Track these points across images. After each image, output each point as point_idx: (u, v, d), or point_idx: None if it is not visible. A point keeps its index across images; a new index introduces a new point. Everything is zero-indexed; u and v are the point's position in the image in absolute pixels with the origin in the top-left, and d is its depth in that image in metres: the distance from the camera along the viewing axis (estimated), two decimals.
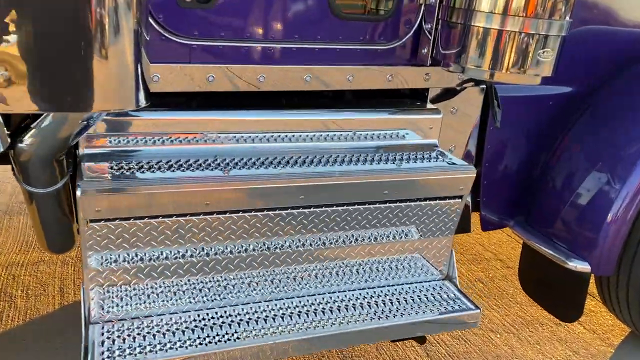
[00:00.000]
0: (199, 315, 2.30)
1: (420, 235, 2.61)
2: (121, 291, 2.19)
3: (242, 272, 2.35)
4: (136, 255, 2.16)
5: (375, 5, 2.60)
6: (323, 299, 2.50)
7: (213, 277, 2.31)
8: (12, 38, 1.61)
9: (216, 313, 2.33)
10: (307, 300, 2.48)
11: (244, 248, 2.31)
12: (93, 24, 1.69)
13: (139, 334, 2.17)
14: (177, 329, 2.22)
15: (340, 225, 2.42)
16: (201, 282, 2.29)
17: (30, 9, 1.60)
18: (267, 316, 2.35)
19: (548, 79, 2.42)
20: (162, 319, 2.25)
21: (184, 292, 2.29)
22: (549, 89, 3.04)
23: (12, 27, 1.60)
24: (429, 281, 2.72)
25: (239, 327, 2.28)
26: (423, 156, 2.62)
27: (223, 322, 2.29)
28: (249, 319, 2.33)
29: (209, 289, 2.32)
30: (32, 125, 2.03)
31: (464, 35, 2.38)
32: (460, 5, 2.36)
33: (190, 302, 2.31)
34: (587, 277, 2.88)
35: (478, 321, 2.61)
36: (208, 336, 2.21)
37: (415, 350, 3.13)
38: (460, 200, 2.59)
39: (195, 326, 2.25)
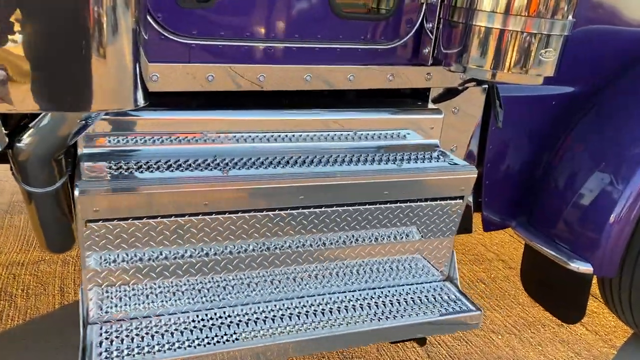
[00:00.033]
0: (197, 316, 2.29)
1: (421, 236, 2.59)
2: (120, 291, 2.18)
3: (241, 273, 2.34)
4: (135, 256, 2.15)
5: (376, 5, 2.59)
6: (323, 299, 2.49)
7: (212, 278, 2.30)
8: (10, 37, 1.60)
9: (215, 314, 2.32)
10: (307, 301, 2.46)
11: (243, 248, 2.30)
12: (91, 23, 1.68)
13: (137, 334, 2.16)
14: (175, 329, 2.21)
15: (340, 225, 2.40)
16: (200, 282, 2.28)
17: (28, 8, 1.59)
18: (266, 317, 2.34)
19: (551, 78, 2.40)
20: (160, 320, 2.24)
21: (182, 292, 2.28)
22: (552, 89, 3.02)
23: (9, 27, 1.59)
24: (429, 282, 2.70)
25: (238, 328, 2.26)
26: (424, 156, 2.61)
27: (222, 323, 2.28)
28: (248, 319, 2.31)
29: (208, 289, 2.31)
30: (30, 125, 2.02)
31: (466, 35, 2.36)
32: (461, 4, 2.34)
33: (189, 303, 2.30)
34: (589, 279, 2.86)
35: (479, 322, 2.59)
36: (206, 337, 2.20)
37: (416, 351, 3.11)
38: (461, 200, 2.58)
39: (194, 327, 2.24)
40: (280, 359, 2.29)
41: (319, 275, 2.48)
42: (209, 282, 2.30)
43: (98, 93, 1.74)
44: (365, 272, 2.56)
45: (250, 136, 2.40)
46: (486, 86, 2.79)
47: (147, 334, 2.16)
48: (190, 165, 2.24)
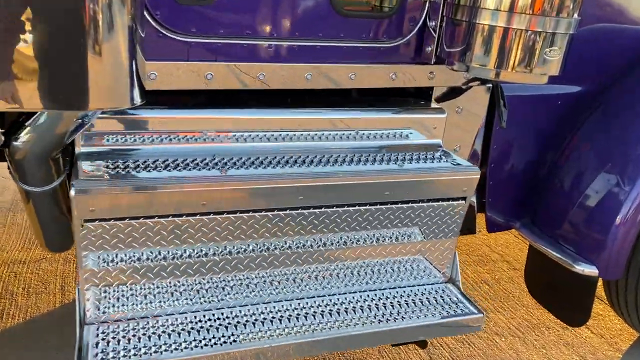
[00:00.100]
0: (195, 317, 2.27)
1: (423, 237, 2.56)
2: (117, 292, 2.16)
3: (240, 274, 2.31)
4: (132, 256, 2.12)
5: (378, 2, 2.55)
6: (323, 301, 2.46)
7: (210, 279, 2.27)
8: (4, 35, 1.58)
9: (213, 315, 2.29)
10: (307, 303, 2.44)
11: (242, 249, 2.27)
12: (87, 20, 1.66)
13: (134, 335, 2.14)
14: (173, 330, 2.19)
15: (340, 226, 2.37)
16: (198, 283, 2.26)
17: (24, 6, 1.57)
18: (265, 318, 2.32)
19: (557, 77, 2.36)
20: (158, 321, 2.22)
21: (181, 293, 2.25)
22: (558, 88, 2.98)
23: (3, 25, 1.57)
24: (431, 284, 2.67)
25: (236, 329, 2.24)
26: (426, 156, 2.57)
27: (220, 325, 2.25)
28: (246, 321, 2.29)
29: (206, 290, 2.29)
30: (26, 124, 2.00)
31: (469, 33, 2.32)
32: (465, 2, 2.30)
33: (188, 304, 2.28)
34: (594, 281, 2.82)
35: (481, 325, 2.56)
36: (204, 338, 2.17)
37: (419, 353, 3.08)
38: (463, 201, 2.54)
39: (192, 328, 2.22)
40: None
41: (319, 276, 2.45)
42: (207, 283, 2.27)
43: (94, 91, 1.72)
44: (366, 273, 2.53)
45: (250, 135, 2.37)
46: (490, 85, 2.75)
47: (144, 334, 2.14)
48: (188, 164, 2.22)
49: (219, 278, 2.28)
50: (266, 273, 2.35)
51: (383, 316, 2.43)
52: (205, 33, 2.19)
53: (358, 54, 2.42)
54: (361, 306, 2.47)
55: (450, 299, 2.59)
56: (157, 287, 2.21)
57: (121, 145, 2.22)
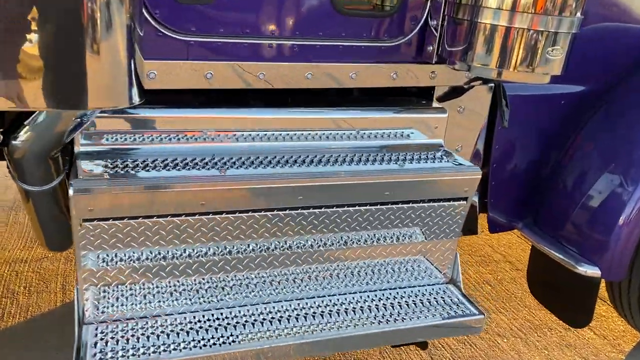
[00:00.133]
0: (194, 317, 2.26)
1: (424, 238, 2.54)
2: (116, 291, 2.15)
3: (239, 274, 2.30)
4: (131, 256, 2.12)
5: (380, 1, 2.54)
6: (322, 302, 2.45)
7: (210, 279, 2.26)
8: (3, 36, 1.58)
9: (212, 315, 2.29)
10: (306, 303, 2.42)
11: (241, 249, 2.26)
12: (85, 19, 1.65)
13: (133, 335, 2.13)
14: (172, 330, 2.18)
15: (340, 226, 2.36)
16: (197, 283, 2.25)
17: (22, 5, 1.56)
18: (264, 319, 2.30)
19: (560, 77, 2.34)
20: (157, 321, 2.21)
21: (180, 293, 2.25)
22: (561, 88, 2.96)
23: (3, 25, 1.56)
24: (432, 285, 2.65)
25: (235, 329, 2.23)
26: (427, 156, 2.56)
27: (219, 325, 2.24)
28: (246, 321, 2.28)
29: (205, 290, 2.28)
30: (25, 122, 2.00)
31: (471, 32, 2.30)
32: (467, 1, 2.28)
33: (187, 304, 2.27)
34: (597, 282, 2.80)
35: (482, 327, 2.54)
36: (203, 339, 2.16)
37: (420, 354, 3.07)
38: (465, 202, 2.52)
39: (191, 328, 2.21)
40: None
41: (319, 277, 2.44)
42: (207, 283, 2.27)
43: (92, 91, 1.72)
44: (366, 274, 2.52)
45: (250, 135, 2.36)
46: (492, 85, 2.73)
47: (142, 335, 2.14)
48: (187, 164, 2.21)
49: (218, 278, 2.28)
50: (266, 273, 2.34)
51: (383, 317, 2.41)
52: (205, 32, 2.18)
53: (359, 53, 2.40)
54: (361, 307, 2.45)
55: (451, 300, 2.58)
56: (156, 287, 2.20)
57: (120, 144, 2.21)
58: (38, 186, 2.15)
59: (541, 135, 2.97)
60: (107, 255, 2.09)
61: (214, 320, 2.26)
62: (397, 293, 2.57)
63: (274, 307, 2.37)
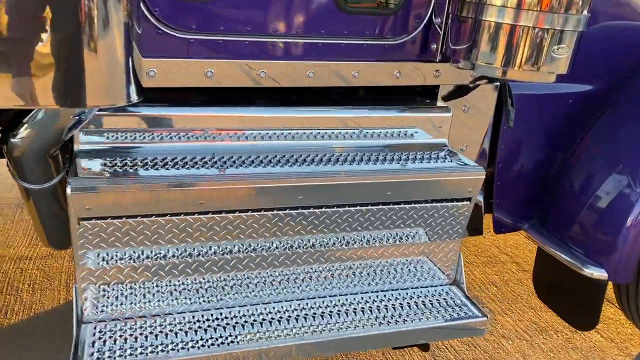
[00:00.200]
0: (193, 317, 2.24)
1: (427, 239, 2.51)
2: (115, 290, 2.14)
3: (239, 274, 2.28)
4: (129, 255, 2.10)
5: None
6: (323, 302, 2.42)
7: (209, 278, 2.25)
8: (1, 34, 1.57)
9: (212, 315, 2.27)
10: (307, 304, 2.40)
11: (242, 248, 2.24)
12: (82, 16, 1.64)
13: (131, 334, 2.12)
14: (170, 330, 2.17)
15: (341, 226, 2.33)
16: (197, 283, 2.23)
17: (21, 4, 1.55)
18: (264, 319, 2.29)
19: (568, 76, 2.30)
20: (155, 320, 2.20)
21: (179, 292, 2.23)
22: (569, 87, 2.92)
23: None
24: (435, 286, 2.62)
25: (234, 330, 2.21)
26: (430, 156, 2.52)
27: (218, 325, 2.23)
28: (245, 322, 2.26)
29: (205, 290, 2.26)
30: (24, 120, 1.99)
31: (475, 30, 2.27)
32: None
33: (186, 304, 2.25)
34: (603, 284, 2.75)
35: (485, 329, 2.50)
36: (202, 339, 2.15)
37: (423, 355, 3.04)
38: (468, 202, 2.49)
39: (190, 328, 2.19)
40: None
41: (320, 277, 2.42)
42: (206, 282, 2.25)
43: (90, 88, 1.71)
44: (368, 274, 2.49)
45: (252, 134, 2.34)
46: (498, 83, 2.69)
47: (141, 334, 2.13)
48: (187, 163, 2.19)
49: (218, 278, 2.26)
50: (266, 273, 2.32)
51: (384, 318, 2.38)
52: (205, 30, 2.16)
53: (361, 51, 2.38)
54: (362, 308, 2.43)
55: (454, 301, 2.55)
56: (155, 287, 2.19)
57: (120, 143, 2.20)
58: (38, 184, 2.14)
59: (547, 135, 2.93)
60: (106, 254, 2.08)
61: (213, 320, 2.25)
62: (399, 294, 2.54)
63: (274, 308, 2.35)
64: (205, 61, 2.19)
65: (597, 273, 2.71)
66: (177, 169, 2.14)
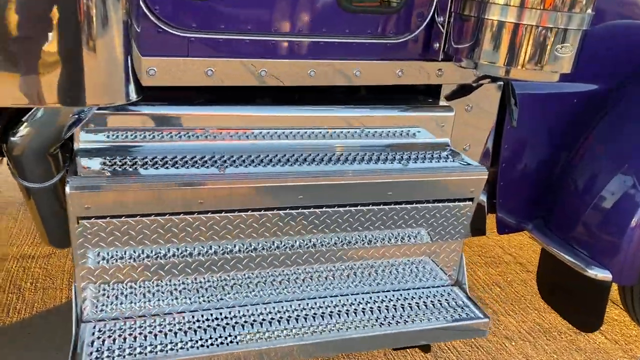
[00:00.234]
0: (193, 317, 2.24)
1: (429, 239, 2.49)
2: (114, 290, 2.14)
3: (239, 273, 2.28)
4: (129, 254, 2.10)
5: None
6: (324, 302, 2.41)
7: (209, 278, 2.24)
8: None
9: (212, 315, 2.26)
10: (307, 304, 2.39)
11: (243, 248, 2.23)
12: (81, 15, 1.63)
13: (130, 334, 2.11)
14: (170, 330, 2.16)
15: (341, 226, 2.32)
16: (197, 282, 2.23)
17: (17, 2, 1.55)
18: (264, 319, 2.28)
19: (572, 75, 2.28)
20: (155, 320, 2.19)
21: (179, 292, 2.22)
22: (573, 86, 2.89)
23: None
24: (437, 287, 2.61)
25: (234, 330, 2.20)
26: (433, 155, 2.51)
27: (218, 325, 2.22)
28: (245, 322, 2.25)
29: (205, 289, 2.26)
30: (23, 119, 1.99)
31: (478, 29, 2.25)
32: None
33: (186, 303, 2.25)
34: (608, 286, 2.73)
35: (487, 331, 2.49)
36: (202, 339, 2.14)
37: (425, 356, 3.02)
38: (471, 203, 2.47)
39: (190, 328, 2.18)
40: None
41: (320, 277, 2.41)
42: (206, 282, 2.24)
43: (89, 87, 1.71)
44: (369, 275, 2.48)
45: (252, 133, 2.33)
46: (502, 83, 2.67)
47: (140, 334, 2.12)
48: (187, 162, 2.18)
49: (218, 277, 2.25)
50: (266, 273, 2.31)
51: (385, 319, 2.37)
52: (206, 28, 2.15)
53: (363, 50, 2.36)
54: (363, 308, 2.41)
55: (455, 302, 2.53)
56: (155, 286, 2.18)
57: (121, 141, 2.19)
58: (38, 183, 2.14)
59: (551, 135, 2.90)
60: (106, 254, 2.08)
61: (213, 320, 2.24)
62: (401, 295, 2.53)
63: (274, 308, 2.34)
64: (205, 60, 2.17)
65: (601, 274, 2.68)
66: (177, 168, 2.13)
